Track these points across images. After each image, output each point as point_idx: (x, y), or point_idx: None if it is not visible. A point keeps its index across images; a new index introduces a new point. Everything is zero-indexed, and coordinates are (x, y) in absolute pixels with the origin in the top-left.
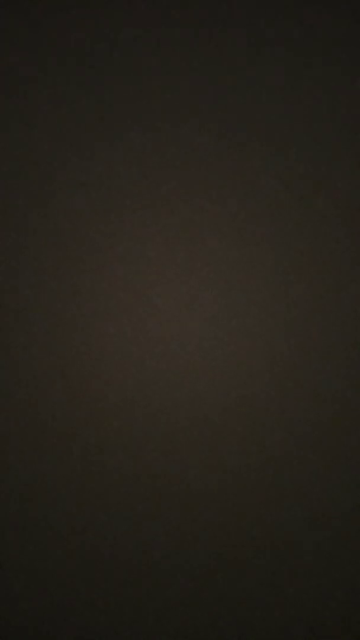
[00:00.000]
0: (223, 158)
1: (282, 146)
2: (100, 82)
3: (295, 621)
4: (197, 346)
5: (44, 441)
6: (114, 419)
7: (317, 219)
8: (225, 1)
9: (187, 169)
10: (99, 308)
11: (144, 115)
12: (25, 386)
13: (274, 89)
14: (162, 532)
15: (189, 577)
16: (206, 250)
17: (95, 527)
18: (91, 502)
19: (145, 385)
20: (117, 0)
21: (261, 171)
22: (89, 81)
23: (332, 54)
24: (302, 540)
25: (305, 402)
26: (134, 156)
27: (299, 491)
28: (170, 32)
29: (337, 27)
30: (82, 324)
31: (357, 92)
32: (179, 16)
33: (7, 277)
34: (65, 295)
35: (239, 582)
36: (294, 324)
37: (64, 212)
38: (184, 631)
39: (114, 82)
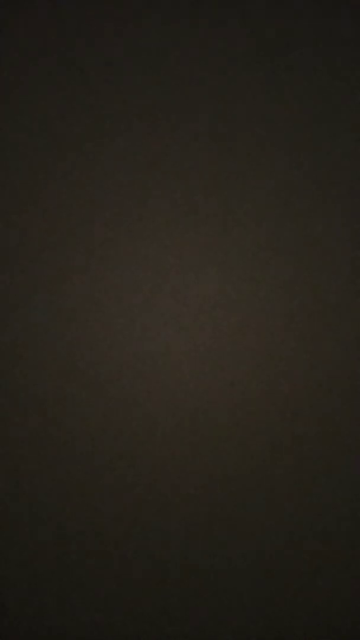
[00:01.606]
0: (223, 158)
1: (283, 146)
2: (99, 82)
3: (295, 619)
4: (198, 344)
5: (45, 441)
6: (114, 417)
7: (319, 220)
8: (226, 4)
9: (187, 170)
10: (99, 307)
11: (144, 114)
12: (25, 383)
13: (275, 91)
14: (162, 532)
15: (189, 580)
16: (205, 245)
17: (95, 529)
18: (90, 500)
19: (145, 382)
20: (116, 2)
21: (261, 171)
22: (87, 82)
23: (336, 54)
24: (303, 544)
25: (306, 401)
26: (134, 154)
27: (300, 493)
28: (170, 32)
29: (339, 28)
30: (81, 320)
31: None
32: (180, 17)
33: (7, 275)
34: (65, 293)
35: (239, 584)
36: (295, 324)
37: (64, 209)
38: (184, 633)
39: (114, 82)
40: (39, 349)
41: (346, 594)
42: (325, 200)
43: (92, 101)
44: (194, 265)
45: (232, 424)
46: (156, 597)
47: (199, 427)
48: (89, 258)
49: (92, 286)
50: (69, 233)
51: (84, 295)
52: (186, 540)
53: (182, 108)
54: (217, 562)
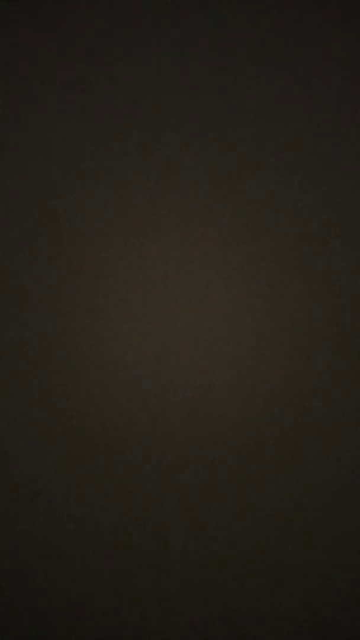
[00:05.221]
0: (225, 157)
1: (284, 145)
2: (100, 80)
3: (295, 621)
4: (198, 343)
5: (45, 440)
6: (114, 415)
7: (320, 222)
8: (226, 6)
9: (188, 168)
10: (99, 306)
11: (144, 111)
12: (25, 382)
13: (276, 91)
14: (162, 530)
15: (189, 578)
16: (207, 245)
17: (95, 527)
18: (92, 497)
19: (146, 380)
20: (115, 2)
21: (262, 170)
22: (87, 80)
23: (336, 56)
24: (302, 541)
25: (307, 401)
26: (134, 154)
27: (300, 493)
28: (172, 33)
29: (340, 29)
30: (82, 320)
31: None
32: (181, 18)
33: (7, 275)
34: (66, 291)
35: (238, 582)
36: (294, 322)
37: (65, 208)
38: (183, 634)
39: (114, 81)
40: (39, 349)
41: (346, 592)
42: (328, 200)
43: (93, 101)
44: (195, 266)
45: (233, 423)
46: (156, 587)
47: (199, 427)
48: (90, 258)
49: (92, 286)
50: (69, 233)
51: (84, 295)
52: (186, 536)
53: (187, 113)
54: (217, 553)
